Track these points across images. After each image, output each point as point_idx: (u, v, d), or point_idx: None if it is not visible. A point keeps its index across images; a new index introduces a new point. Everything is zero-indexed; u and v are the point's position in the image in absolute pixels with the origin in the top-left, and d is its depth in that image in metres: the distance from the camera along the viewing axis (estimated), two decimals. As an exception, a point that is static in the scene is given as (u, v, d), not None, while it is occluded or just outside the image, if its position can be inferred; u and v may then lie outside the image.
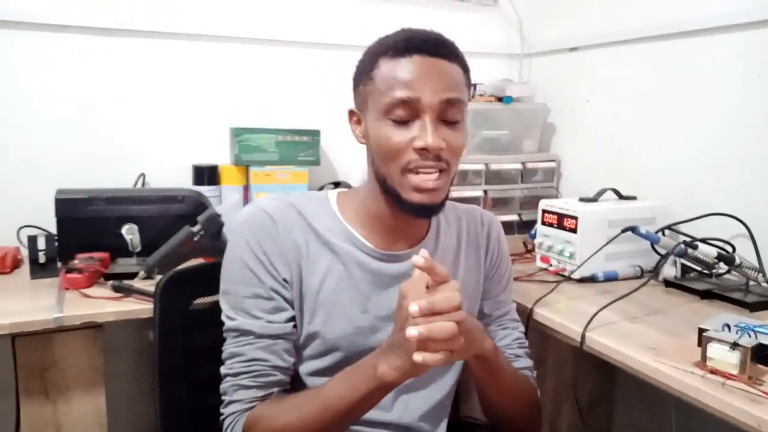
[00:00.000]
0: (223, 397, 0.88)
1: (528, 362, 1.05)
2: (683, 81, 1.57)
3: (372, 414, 0.90)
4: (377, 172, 0.89)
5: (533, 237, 1.55)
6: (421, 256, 0.73)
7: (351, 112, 0.93)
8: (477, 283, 1.03)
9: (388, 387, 0.78)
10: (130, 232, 1.33)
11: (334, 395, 0.81)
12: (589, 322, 1.08)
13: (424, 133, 0.83)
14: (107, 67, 1.64)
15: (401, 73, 0.83)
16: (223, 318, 0.90)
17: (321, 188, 1.71)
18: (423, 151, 0.83)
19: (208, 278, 1.08)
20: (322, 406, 0.82)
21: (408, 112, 0.83)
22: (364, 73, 0.89)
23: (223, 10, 1.75)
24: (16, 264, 1.41)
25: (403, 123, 0.84)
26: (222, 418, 0.88)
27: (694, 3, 1.53)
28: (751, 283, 1.30)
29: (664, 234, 1.40)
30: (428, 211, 0.89)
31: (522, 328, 1.08)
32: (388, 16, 1.94)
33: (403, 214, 0.89)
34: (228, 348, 0.89)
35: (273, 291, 0.88)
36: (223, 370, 0.89)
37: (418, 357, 0.70)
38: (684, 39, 1.56)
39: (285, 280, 0.89)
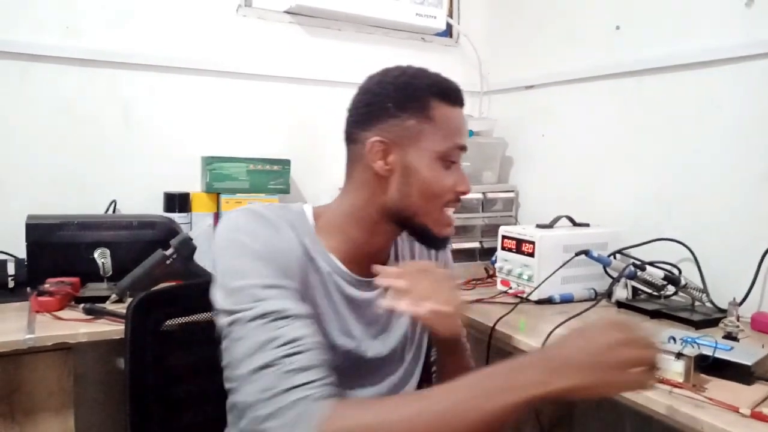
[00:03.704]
0: (264, 393, 0.70)
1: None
2: (632, 116, 1.69)
3: None
4: (404, 205, 0.90)
5: (494, 263, 1.62)
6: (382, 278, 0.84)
7: (380, 142, 0.89)
8: None
9: (535, 400, 0.68)
10: (102, 257, 1.35)
11: (463, 400, 0.68)
12: (547, 338, 1.14)
13: (463, 179, 0.92)
14: (81, 95, 1.67)
15: (459, 122, 0.92)
16: (232, 317, 0.77)
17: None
18: (462, 194, 0.93)
19: (179, 300, 1.10)
20: (443, 408, 0.68)
21: (457, 158, 0.92)
22: (412, 108, 0.89)
23: (195, 44, 1.81)
24: (-16, 289, 1.40)
25: (448, 167, 0.91)
26: (272, 412, 0.68)
27: (640, 45, 1.65)
28: (696, 303, 1.39)
29: (615, 258, 1.48)
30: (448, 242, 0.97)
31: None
32: (356, 54, 2.03)
33: (413, 245, 1.01)
34: (250, 338, 0.73)
35: (290, 287, 0.81)
36: (256, 361, 0.72)
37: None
38: (631, 77, 1.68)
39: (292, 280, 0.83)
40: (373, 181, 0.91)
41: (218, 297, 0.81)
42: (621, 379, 0.71)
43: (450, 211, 0.93)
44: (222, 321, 0.79)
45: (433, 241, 0.94)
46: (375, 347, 0.96)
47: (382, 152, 0.89)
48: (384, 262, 0.99)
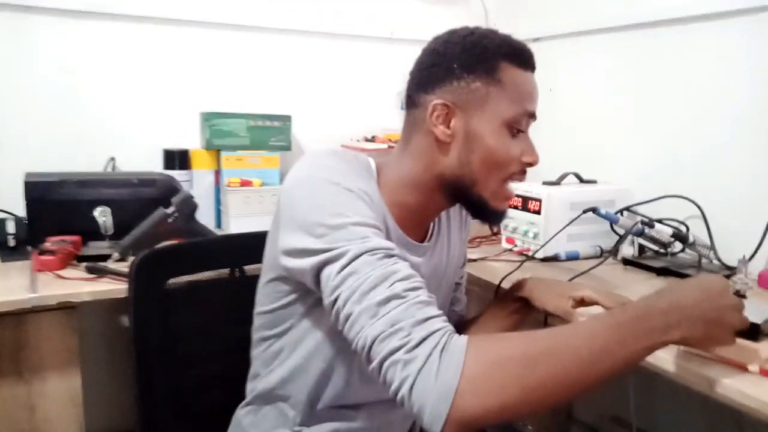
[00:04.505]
0: (395, 325, 0.66)
1: None
2: (643, 70, 1.64)
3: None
4: (462, 173, 0.85)
5: (499, 220, 1.61)
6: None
7: (443, 106, 0.84)
8: (461, 250, 1.07)
9: (655, 347, 0.70)
10: (103, 215, 1.33)
11: (604, 342, 0.67)
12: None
13: (532, 149, 0.86)
14: (77, 50, 1.63)
15: (530, 87, 0.86)
16: (331, 254, 0.73)
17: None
18: (529, 165, 0.86)
19: (182, 258, 1.10)
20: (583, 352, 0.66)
21: (526, 126, 0.86)
22: (479, 70, 0.83)
23: (192, -4, 1.76)
24: (-16, 248, 1.39)
25: (515, 135, 0.85)
26: (406, 343, 0.64)
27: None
28: (704, 260, 1.38)
29: (622, 215, 1.46)
30: (504, 217, 0.92)
31: None
32: (359, 6, 1.98)
33: (466, 216, 1.00)
34: (363, 272, 0.70)
35: (384, 230, 0.79)
36: (379, 293, 0.68)
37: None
38: (640, 30, 1.63)
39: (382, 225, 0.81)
40: (433, 147, 0.86)
41: (298, 238, 0.76)
42: (722, 338, 0.75)
43: (510, 185, 0.87)
44: (306, 262, 0.75)
45: (488, 215, 0.89)
46: None
47: (445, 116, 0.84)
48: (428, 228, 0.97)
